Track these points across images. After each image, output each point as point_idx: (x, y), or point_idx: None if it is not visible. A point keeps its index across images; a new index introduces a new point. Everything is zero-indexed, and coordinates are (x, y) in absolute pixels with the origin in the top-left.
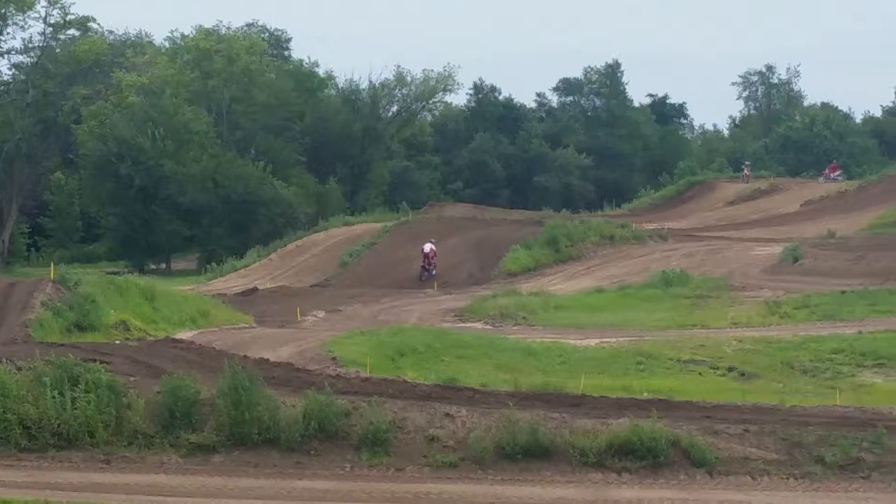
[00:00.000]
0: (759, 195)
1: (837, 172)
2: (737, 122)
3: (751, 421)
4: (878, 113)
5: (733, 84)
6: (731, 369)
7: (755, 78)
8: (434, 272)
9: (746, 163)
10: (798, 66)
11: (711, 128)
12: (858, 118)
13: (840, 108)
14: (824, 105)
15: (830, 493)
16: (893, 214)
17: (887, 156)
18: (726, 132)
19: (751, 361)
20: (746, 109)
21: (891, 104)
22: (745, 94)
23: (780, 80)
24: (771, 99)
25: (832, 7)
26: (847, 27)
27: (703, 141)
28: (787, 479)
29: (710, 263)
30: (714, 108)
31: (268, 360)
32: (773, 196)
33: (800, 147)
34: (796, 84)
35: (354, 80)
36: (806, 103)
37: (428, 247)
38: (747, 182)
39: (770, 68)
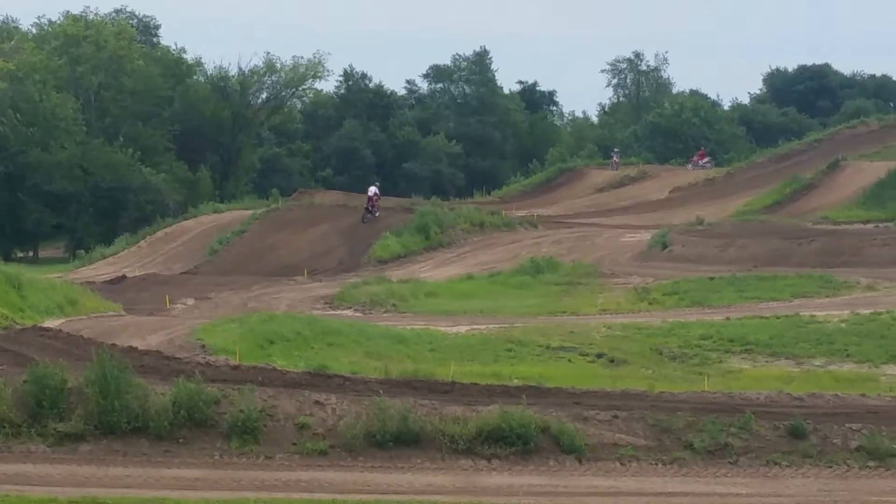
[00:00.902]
0: (629, 182)
1: (706, 160)
2: (606, 109)
3: (620, 407)
4: (745, 100)
5: (602, 71)
6: (600, 356)
7: (624, 65)
8: (377, 214)
9: (616, 150)
10: (666, 53)
11: (581, 115)
12: (727, 105)
13: (709, 95)
14: (693, 92)
15: (699, 479)
16: (761, 201)
17: (755, 143)
18: (596, 119)
19: (620, 348)
20: (616, 97)
21: (758, 91)
22: (614, 81)
23: (648, 67)
24: (640, 86)
25: None
26: (716, 15)
27: (572, 128)
28: (656, 464)
29: (579, 250)
30: (584, 95)
31: (137, 348)
32: (642, 183)
33: (668, 134)
34: (665, 71)
35: (223, 66)
36: (675, 91)
37: (372, 190)
38: (616, 169)
39: (638, 55)
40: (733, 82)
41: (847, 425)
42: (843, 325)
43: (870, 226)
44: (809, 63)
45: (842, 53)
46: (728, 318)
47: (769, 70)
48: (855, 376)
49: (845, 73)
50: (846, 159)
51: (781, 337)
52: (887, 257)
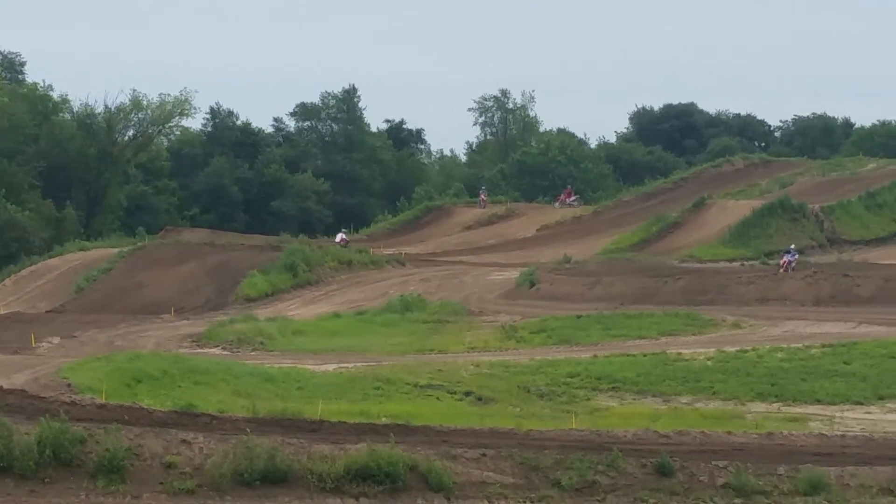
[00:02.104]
0: (496, 220)
1: (573, 198)
2: (473, 147)
3: (488, 445)
4: (612, 139)
5: (469, 110)
6: (468, 394)
7: (491, 103)
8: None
9: (483, 188)
10: (533, 91)
11: (449, 153)
12: (593, 144)
13: (576, 133)
14: (560, 131)
15: None
16: (627, 239)
17: (621, 181)
18: (463, 157)
19: (488, 386)
20: (483, 135)
21: (625, 130)
22: (481, 119)
23: (515, 105)
24: (507, 125)
25: (569, 35)
26: (583, 53)
27: (440, 166)
28: (525, 502)
29: (447, 288)
30: (451, 133)
31: (1, 387)
32: (509, 221)
33: (535, 172)
34: (532, 110)
35: (90, 103)
36: (542, 129)
37: (339, 237)
38: (484, 207)
39: (505, 93)
40: (600, 121)
41: (713, 462)
42: (709, 362)
43: (735, 264)
44: (675, 102)
45: (707, 93)
46: (595, 356)
47: (635, 109)
48: (721, 413)
49: (710, 112)
50: (711, 198)
51: (648, 375)
52: (752, 295)
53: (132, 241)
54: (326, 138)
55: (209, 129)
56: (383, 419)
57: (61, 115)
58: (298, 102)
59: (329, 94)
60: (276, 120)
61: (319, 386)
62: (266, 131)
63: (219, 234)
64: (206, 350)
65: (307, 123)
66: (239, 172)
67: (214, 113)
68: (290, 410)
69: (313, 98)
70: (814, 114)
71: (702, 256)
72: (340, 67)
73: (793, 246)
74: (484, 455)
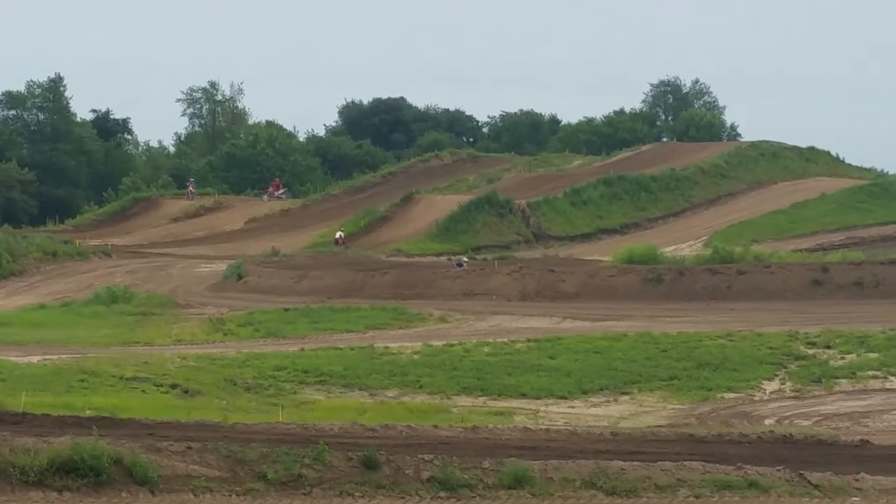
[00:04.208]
0: (204, 212)
1: (281, 191)
2: (182, 138)
3: (194, 438)
4: (321, 132)
5: (178, 101)
6: (174, 386)
7: (199, 94)
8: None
9: (191, 180)
10: (242, 83)
11: (157, 144)
12: (302, 137)
13: (284, 126)
14: (269, 123)
15: None
16: (336, 233)
17: (330, 175)
18: (172, 149)
19: (194, 378)
20: (192, 126)
21: (334, 124)
22: (189, 110)
23: (224, 97)
24: (216, 116)
25: (281, 25)
26: (290, 45)
27: (148, 157)
28: (230, 496)
29: (154, 280)
30: (159, 124)
31: None
32: (217, 213)
33: (243, 165)
34: (240, 101)
35: None
36: (251, 121)
37: (338, 234)
38: (192, 199)
39: (214, 85)
40: (309, 114)
41: (420, 456)
42: (415, 356)
43: (442, 258)
44: (384, 96)
45: (417, 87)
46: (303, 350)
47: (344, 102)
48: (428, 407)
49: (419, 107)
50: (419, 192)
51: (355, 368)
52: (459, 289)
53: None
54: (32, 127)
55: None
56: (88, 412)
57: None
58: (4, 91)
59: (35, 82)
60: None
61: (23, 378)
62: None
63: None
64: None
65: (12, 112)
66: None
67: None
68: None
69: (19, 86)
70: (521, 110)
71: (409, 251)
72: (47, 55)
73: (465, 259)
74: (189, 448)
